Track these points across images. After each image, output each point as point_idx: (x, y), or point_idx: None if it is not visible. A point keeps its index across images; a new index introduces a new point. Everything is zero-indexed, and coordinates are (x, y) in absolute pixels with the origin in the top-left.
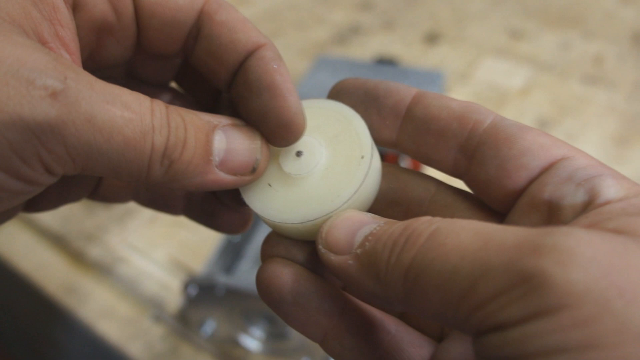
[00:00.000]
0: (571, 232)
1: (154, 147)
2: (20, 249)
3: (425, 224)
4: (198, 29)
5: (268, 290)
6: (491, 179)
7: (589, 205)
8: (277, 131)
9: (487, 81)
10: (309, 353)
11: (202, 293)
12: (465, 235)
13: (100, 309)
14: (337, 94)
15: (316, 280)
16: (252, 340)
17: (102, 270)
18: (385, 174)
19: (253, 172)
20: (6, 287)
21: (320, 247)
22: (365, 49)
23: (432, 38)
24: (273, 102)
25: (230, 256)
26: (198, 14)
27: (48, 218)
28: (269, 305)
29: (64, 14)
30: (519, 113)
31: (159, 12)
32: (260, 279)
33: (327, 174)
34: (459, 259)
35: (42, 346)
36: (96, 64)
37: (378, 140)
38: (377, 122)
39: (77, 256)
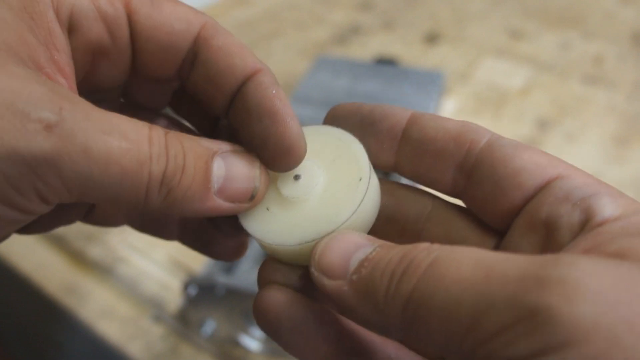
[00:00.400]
0: (575, 262)
1: (151, 175)
2: (20, 249)
3: (424, 252)
4: (195, 54)
5: (265, 318)
6: (488, 197)
7: (586, 224)
8: (277, 156)
9: (487, 81)
10: None
11: (202, 293)
12: (466, 266)
13: (100, 309)
14: (333, 119)
15: (314, 306)
16: (252, 340)
17: (102, 270)
18: (381, 191)
19: (251, 199)
20: (6, 287)
21: (313, 270)
22: (365, 49)
23: (432, 38)
24: (274, 127)
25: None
26: (194, 39)
27: None
28: (267, 333)
29: (60, 38)
30: (519, 113)
31: (154, 36)
32: (257, 306)
33: (325, 196)
34: (460, 291)
35: (42, 346)
36: (91, 86)
37: (376, 164)
38: (374, 146)
39: (77, 256)
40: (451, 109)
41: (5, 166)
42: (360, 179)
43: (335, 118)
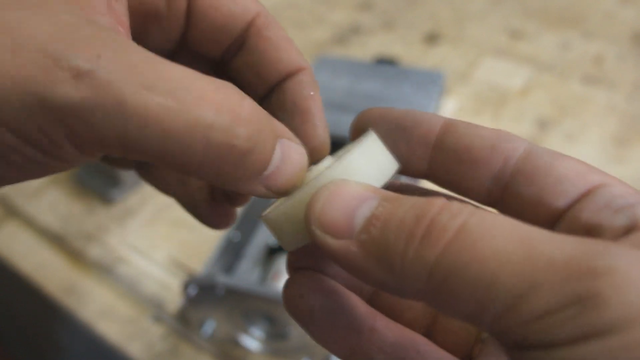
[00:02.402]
0: (624, 253)
1: (210, 144)
2: (20, 249)
3: (446, 216)
4: (244, 40)
5: (297, 307)
6: (527, 206)
7: (631, 230)
8: None
9: (487, 81)
10: (309, 353)
11: (202, 293)
12: (503, 240)
13: (100, 309)
14: (362, 124)
15: (347, 295)
16: (252, 340)
17: (102, 270)
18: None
19: (285, 193)
20: (6, 287)
21: (313, 228)
22: (365, 49)
23: (432, 38)
24: (304, 127)
25: (230, 256)
26: (247, 25)
27: (48, 218)
28: (298, 321)
29: None
30: (519, 113)
31: (211, 14)
32: (288, 294)
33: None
34: (499, 267)
35: (42, 346)
36: None
37: (408, 172)
38: (406, 153)
39: (77, 256)
40: (451, 109)
41: (36, 116)
42: (349, 151)
43: (365, 122)
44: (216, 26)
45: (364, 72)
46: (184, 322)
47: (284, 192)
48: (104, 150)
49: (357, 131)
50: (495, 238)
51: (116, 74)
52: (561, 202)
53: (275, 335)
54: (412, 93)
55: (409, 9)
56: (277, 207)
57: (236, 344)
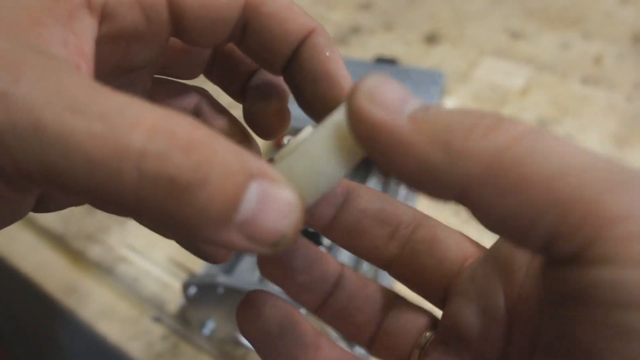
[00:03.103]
0: None
1: (141, 173)
2: (21, 249)
3: (519, 122)
4: (245, 22)
5: (253, 324)
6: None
7: None
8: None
9: (487, 81)
10: None
11: (202, 293)
12: (583, 147)
13: (100, 309)
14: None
15: (297, 314)
16: None
17: (102, 270)
18: (379, 195)
19: (274, 246)
20: (6, 287)
21: (358, 99)
22: (365, 49)
23: (432, 38)
24: (329, 91)
25: (230, 256)
26: (242, 8)
27: (48, 218)
28: (250, 338)
29: (83, 23)
30: (519, 113)
31: (200, 15)
32: (243, 311)
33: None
34: (586, 161)
35: (42, 346)
36: (124, 68)
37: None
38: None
39: (77, 256)
40: (451, 108)
41: None
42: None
43: None
44: (210, 22)
45: (363, 72)
46: (184, 322)
47: (275, 246)
48: (28, 182)
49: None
50: (579, 146)
51: (37, 96)
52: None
53: None
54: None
55: (409, 9)
56: (276, 165)
57: (236, 344)
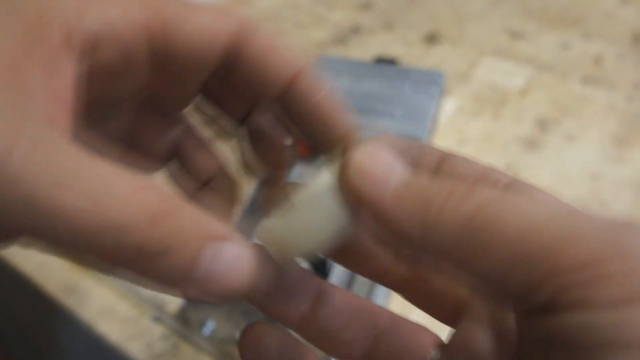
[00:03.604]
0: None
1: (121, 246)
2: (21, 248)
3: (489, 185)
4: (228, 63)
5: (256, 350)
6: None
7: None
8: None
9: (487, 81)
10: None
11: None
12: (545, 200)
13: (101, 309)
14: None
15: (297, 341)
16: None
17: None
18: None
19: (228, 298)
20: (6, 287)
21: (349, 172)
22: (365, 49)
23: (432, 38)
24: (324, 137)
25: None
26: (224, 50)
27: None
28: None
29: (63, 63)
30: (519, 113)
31: (182, 54)
32: (246, 339)
33: None
34: (546, 216)
35: (42, 346)
36: (105, 102)
37: None
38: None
39: None
40: (451, 108)
41: None
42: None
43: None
44: (189, 63)
45: (364, 72)
46: (184, 322)
47: (224, 296)
48: (14, 239)
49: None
50: (538, 199)
51: (27, 171)
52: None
53: None
54: (412, 93)
55: (409, 9)
56: (273, 219)
57: (236, 344)
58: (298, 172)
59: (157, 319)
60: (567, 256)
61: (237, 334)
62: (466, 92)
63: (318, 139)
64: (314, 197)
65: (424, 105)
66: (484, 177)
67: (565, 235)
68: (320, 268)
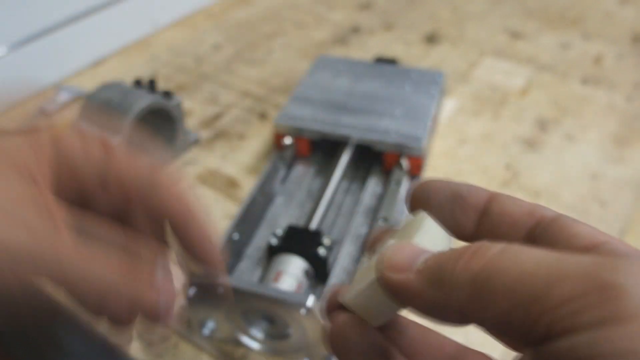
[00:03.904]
0: (638, 258)
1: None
2: None
3: (490, 244)
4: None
5: (344, 345)
6: None
7: None
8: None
9: (487, 81)
10: (309, 353)
11: (202, 293)
12: (536, 253)
13: None
14: (423, 193)
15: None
16: (252, 340)
17: None
18: None
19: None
20: None
21: (381, 268)
22: (365, 49)
23: (432, 38)
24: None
25: (230, 256)
26: (100, 174)
27: None
28: (338, 355)
29: (48, 166)
30: (519, 113)
31: (61, 169)
32: (336, 330)
33: None
34: (534, 265)
35: (42, 345)
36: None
37: (460, 234)
38: (461, 217)
39: None
40: (451, 108)
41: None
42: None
43: (426, 192)
44: (69, 178)
45: (364, 72)
46: (184, 322)
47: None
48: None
49: (415, 200)
50: (532, 250)
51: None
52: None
53: (275, 335)
54: (412, 93)
55: (409, 9)
56: (353, 288)
57: (236, 344)
58: (298, 171)
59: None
60: (554, 295)
61: (237, 334)
62: (466, 92)
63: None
64: (372, 284)
65: (424, 105)
66: (531, 214)
67: (552, 279)
68: (321, 269)
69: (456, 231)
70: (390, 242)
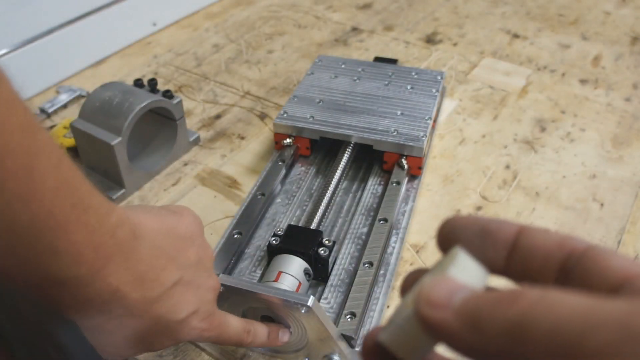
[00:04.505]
0: None
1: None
2: None
3: (529, 289)
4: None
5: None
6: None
7: None
8: None
9: (487, 81)
10: (309, 353)
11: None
12: (573, 297)
13: None
14: (451, 230)
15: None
16: None
17: None
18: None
19: None
20: (7, 286)
21: (418, 306)
22: (365, 49)
23: (432, 38)
24: None
25: (230, 256)
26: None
27: None
28: None
29: None
30: (518, 113)
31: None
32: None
33: None
34: (570, 313)
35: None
36: None
37: (491, 269)
38: (491, 253)
39: None
40: (451, 109)
41: None
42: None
43: (455, 228)
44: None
45: (363, 72)
46: None
47: None
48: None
49: (443, 237)
50: (566, 300)
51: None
52: (603, 287)
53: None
54: (412, 93)
55: (409, 9)
56: (390, 326)
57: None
58: (298, 171)
59: None
60: (590, 344)
61: None
62: (466, 92)
63: None
64: (409, 320)
65: (424, 105)
66: (561, 246)
67: (587, 328)
68: (321, 269)
69: (487, 267)
70: (427, 279)
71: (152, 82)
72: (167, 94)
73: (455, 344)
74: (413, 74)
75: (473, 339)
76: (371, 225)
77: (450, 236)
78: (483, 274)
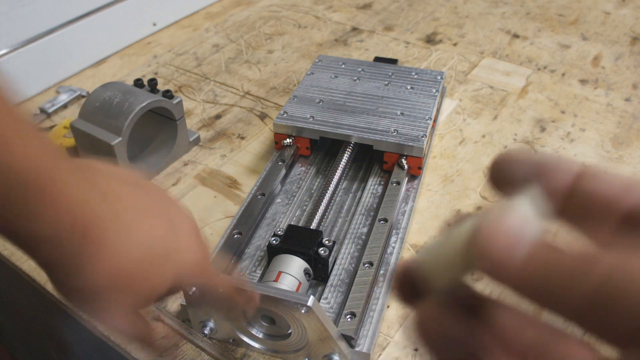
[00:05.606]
0: None
1: None
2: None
3: (604, 254)
4: None
5: (433, 333)
6: None
7: None
8: None
9: (487, 81)
10: (309, 353)
11: (202, 293)
12: None
13: None
14: (506, 165)
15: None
16: (252, 341)
17: None
18: None
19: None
20: (7, 286)
21: (477, 240)
22: (365, 49)
23: (432, 38)
24: None
25: (230, 256)
26: None
27: None
28: (427, 344)
29: None
30: (519, 113)
31: None
32: (425, 317)
33: None
34: None
35: (43, 345)
36: None
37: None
38: (547, 192)
39: None
40: (451, 109)
41: None
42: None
43: (508, 164)
44: None
45: (363, 72)
46: (184, 322)
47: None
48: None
49: (496, 174)
50: None
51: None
52: None
53: (275, 335)
54: (412, 93)
55: (409, 9)
56: (431, 248)
57: (236, 343)
58: (298, 171)
59: (157, 319)
60: None
61: (237, 334)
62: (466, 92)
63: None
64: (453, 240)
65: (424, 105)
66: (628, 192)
67: None
68: (321, 269)
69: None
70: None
71: (152, 82)
72: (167, 94)
73: (509, 283)
74: (413, 74)
75: (536, 296)
76: (371, 225)
77: (503, 173)
78: (542, 220)
